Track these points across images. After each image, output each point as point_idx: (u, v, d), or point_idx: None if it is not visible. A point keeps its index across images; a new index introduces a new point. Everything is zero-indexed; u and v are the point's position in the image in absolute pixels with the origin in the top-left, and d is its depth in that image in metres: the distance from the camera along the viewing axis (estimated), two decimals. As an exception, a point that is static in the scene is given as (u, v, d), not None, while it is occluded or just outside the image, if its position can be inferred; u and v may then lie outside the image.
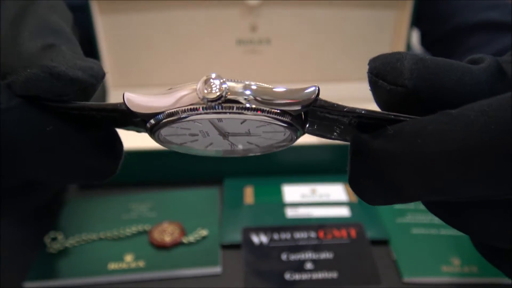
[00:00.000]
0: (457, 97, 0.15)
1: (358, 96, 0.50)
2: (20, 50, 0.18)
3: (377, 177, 0.17)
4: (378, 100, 0.18)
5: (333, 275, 0.33)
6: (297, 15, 0.47)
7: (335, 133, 0.20)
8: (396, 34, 0.48)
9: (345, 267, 0.34)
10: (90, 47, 0.46)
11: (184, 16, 0.46)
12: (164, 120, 0.18)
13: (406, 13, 0.46)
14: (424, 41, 0.54)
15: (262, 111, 0.17)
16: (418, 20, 0.49)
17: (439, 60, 0.16)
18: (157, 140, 0.20)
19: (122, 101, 0.18)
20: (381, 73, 0.17)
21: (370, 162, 0.17)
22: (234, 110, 0.17)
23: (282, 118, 0.17)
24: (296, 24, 0.47)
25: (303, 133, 0.20)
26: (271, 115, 0.17)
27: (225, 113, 0.17)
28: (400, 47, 0.48)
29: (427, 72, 0.16)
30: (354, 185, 0.18)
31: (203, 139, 0.20)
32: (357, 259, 0.34)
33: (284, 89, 0.17)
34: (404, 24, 0.47)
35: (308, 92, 0.17)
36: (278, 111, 0.17)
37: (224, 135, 0.19)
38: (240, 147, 0.21)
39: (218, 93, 0.17)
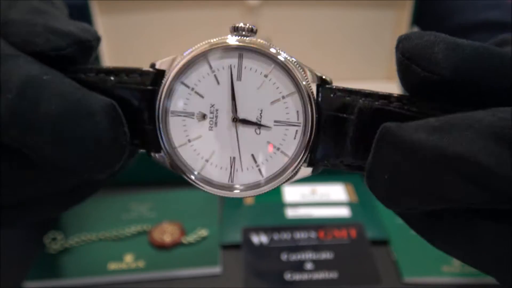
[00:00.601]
0: (493, 84, 0.15)
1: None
2: (14, 17, 0.19)
3: (412, 174, 0.15)
4: (406, 83, 0.17)
5: (333, 275, 0.33)
6: (297, 15, 0.47)
7: (348, 140, 0.18)
8: (396, 34, 0.48)
9: (345, 267, 0.34)
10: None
11: (184, 16, 0.46)
12: (186, 59, 0.18)
13: (406, 13, 0.46)
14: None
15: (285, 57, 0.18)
16: (418, 20, 0.49)
17: (477, 46, 0.15)
18: (163, 124, 0.19)
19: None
20: (414, 57, 0.15)
21: (406, 155, 0.15)
22: (261, 44, 0.18)
23: (303, 79, 0.18)
24: (296, 24, 0.47)
25: (313, 138, 0.19)
26: (294, 68, 0.18)
27: (251, 49, 0.18)
28: (400, 47, 0.48)
29: (467, 60, 0.15)
30: (374, 180, 0.16)
31: (208, 137, 0.19)
32: (357, 259, 0.34)
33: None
34: (404, 24, 0.47)
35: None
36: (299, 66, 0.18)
37: (235, 118, 0.19)
38: (241, 179, 0.20)
39: (249, 26, 0.18)
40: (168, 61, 0.19)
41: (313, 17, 0.47)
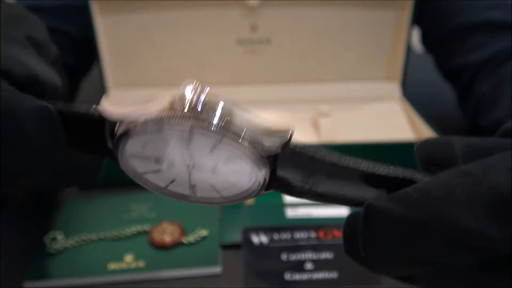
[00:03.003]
0: None
1: (358, 96, 0.50)
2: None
3: (401, 247, 0.16)
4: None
5: (333, 275, 0.33)
6: (297, 15, 0.47)
7: (308, 181, 0.19)
8: (396, 34, 0.48)
9: (345, 267, 0.34)
10: (90, 47, 0.46)
11: (184, 16, 0.46)
12: (133, 126, 0.16)
13: (406, 13, 0.46)
14: (424, 41, 0.54)
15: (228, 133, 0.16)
16: (419, 19, 0.49)
17: (489, 142, 0.16)
18: (121, 158, 0.18)
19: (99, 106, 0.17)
20: (433, 161, 0.17)
21: (394, 231, 0.16)
22: (206, 124, 0.16)
23: (250, 150, 0.17)
24: (296, 24, 0.47)
25: (269, 179, 0.19)
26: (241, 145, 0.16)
27: (197, 128, 0.16)
28: (400, 47, 0.48)
29: (479, 156, 0.16)
30: (370, 258, 0.17)
31: (166, 172, 0.18)
32: (357, 259, 0.34)
33: (262, 124, 0.16)
34: (404, 24, 0.47)
35: (282, 135, 0.17)
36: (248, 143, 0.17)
37: (189, 166, 0.18)
38: (202, 194, 0.19)
39: (195, 105, 0.16)
40: (113, 110, 0.17)
41: (313, 17, 0.47)
